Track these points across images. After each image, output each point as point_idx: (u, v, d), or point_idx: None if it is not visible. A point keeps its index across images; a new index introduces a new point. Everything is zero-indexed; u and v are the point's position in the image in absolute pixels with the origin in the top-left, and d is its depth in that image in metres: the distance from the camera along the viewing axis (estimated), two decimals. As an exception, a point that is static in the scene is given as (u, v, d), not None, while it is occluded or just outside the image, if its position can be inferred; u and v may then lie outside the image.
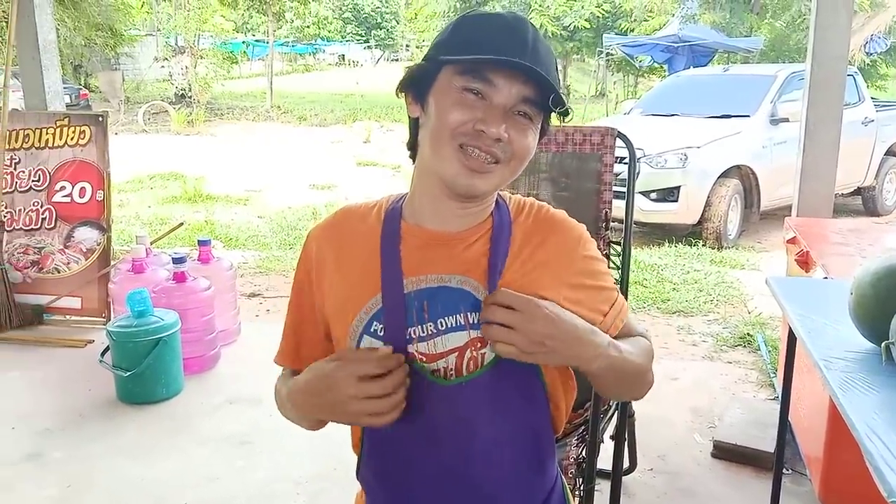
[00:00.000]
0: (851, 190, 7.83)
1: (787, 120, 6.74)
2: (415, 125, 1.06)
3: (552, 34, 24.34)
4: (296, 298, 1.16)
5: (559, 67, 1.03)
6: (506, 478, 1.08)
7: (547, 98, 0.98)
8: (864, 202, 8.09)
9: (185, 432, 3.05)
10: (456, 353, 1.03)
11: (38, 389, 3.42)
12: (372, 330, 1.05)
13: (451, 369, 1.04)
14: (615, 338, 1.08)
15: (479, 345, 1.03)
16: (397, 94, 1.08)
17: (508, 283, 1.03)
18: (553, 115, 1.04)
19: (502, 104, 0.98)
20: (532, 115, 1.01)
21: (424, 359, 1.04)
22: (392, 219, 1.09)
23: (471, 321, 1.03)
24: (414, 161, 1.09)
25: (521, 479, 1.10)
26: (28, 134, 4.26)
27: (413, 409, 1.03)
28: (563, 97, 0.99)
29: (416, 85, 1.04)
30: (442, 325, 1.03)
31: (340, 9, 38.87)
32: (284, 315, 1.18)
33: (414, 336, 1.04)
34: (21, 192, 4.26)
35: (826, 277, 2.40)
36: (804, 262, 2.71)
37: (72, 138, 4.21)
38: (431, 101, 1.02)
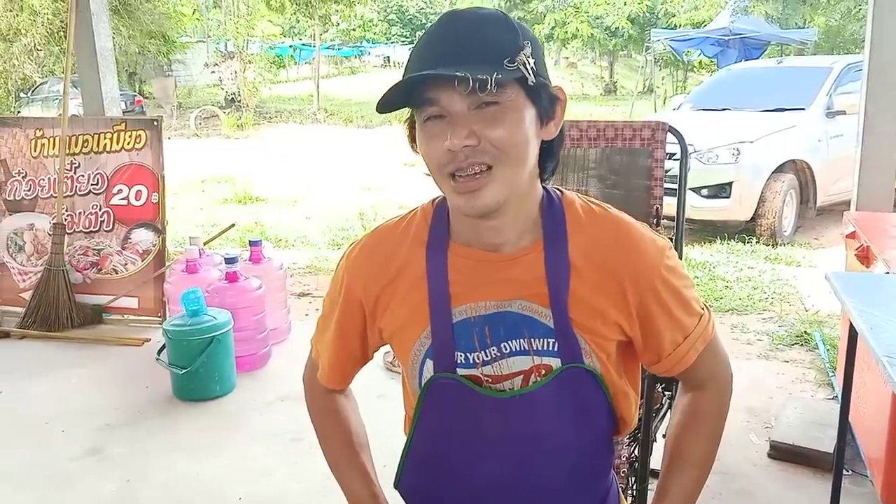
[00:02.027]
0: (912, 183, 7.55)
1: (843, 113, 6.53)
2: None
3: (592, 36, 24.26)
4: (341, 330, 1.14)
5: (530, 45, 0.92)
6: (563, 486, 1.07)
7: (504, 69, 0.90)
8: (926, 196, 7.80)
9: (238, 429, 3.11)
10: (521, 377, 1.02)
11: (99, 387, 3.53)
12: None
13: (516, 389, 1.02)
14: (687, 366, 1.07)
15: (543, 371, 1.01)
16: (414, 153, 1.03)
17: (573, 306, 1.00)
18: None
19: (457, 111, 0.92)
20: (497, 98, 0.92)
21: (490, 380, 1.03)
22: (438, 239, 1.06)
23: (535, 347, 1.01)
24: None
25: (579, 487, 1.09)
26: (87, 139, 4.39)
27: (470, 422, 1.04)
28: (476, 77, 0.88)
29: (412, 138, 1.01)
30: (506, 349, 1.02)
31: (385, 11, 39.13)
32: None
33: (478, 361, 1.02)
34: (81, 195, 4.40)
35: (888, 272, 2.32)
36: (864, 256, 2.63)
37: (128, 143, 4.33)
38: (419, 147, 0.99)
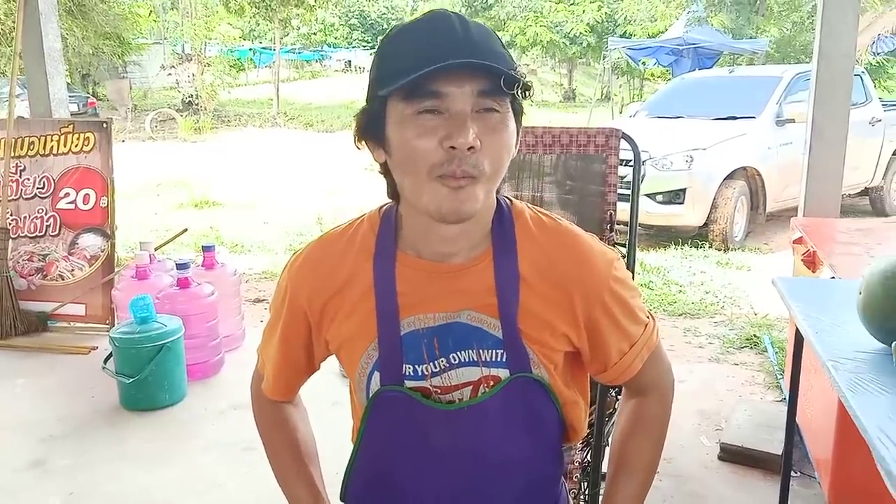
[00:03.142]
0: (859, 190, 7.78)
1: (792, 121, 6.70)
2: (386, 170, 0.99)
3: (552, 41, 24.53)
4: (285, 343, 1.11)
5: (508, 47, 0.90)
6: (513, 498, 1.06)
7: (506, 81, 0.90)
8: (872, 202, 8.04)
9: (188, 439, 3.04)
10: (470, 387, 1.01)
11: (42, 396, 3.41)
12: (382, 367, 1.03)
13: (465, 400, 1.01)
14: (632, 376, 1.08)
15: (491, 382, 1.00)
16: (357, 146, 1.00)
17: (522, 318, 0.99)
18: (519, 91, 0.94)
19: (461, 110, 0.90)
20: (498, 106, 0.92)
21: (439, 391, 1.02)
22: (385, 250, 1.03)
23: (483, 358, 1.00)
24: (397, 202, 1.03)
25: (529, 498, 1.08)
26: (33, 141, 4.27)
27: (417, 435, 1.02)
28: (516, 74, 0.90)
29: (370, 130, 0.96)
30: (455, 360, 1.01)
31: (346, 15, 38.96)
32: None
33: (427, 373, 1.01)
34: (26, 199, 4.27)
35: (833, 277, 2.37)
36: (811, 262, 2.68)
37: (76, 145, 4.22)
38: (391, 141, 0.94)
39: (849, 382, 1.42)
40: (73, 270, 4.21)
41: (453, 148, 0.89)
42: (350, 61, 35.97)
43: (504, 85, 0.89)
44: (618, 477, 1.14)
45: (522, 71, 0.94)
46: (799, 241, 2.95)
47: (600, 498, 2.05)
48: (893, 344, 1.40)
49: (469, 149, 0.89)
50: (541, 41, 24.61)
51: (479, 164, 0.91)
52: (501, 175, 0.96)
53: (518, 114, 0.97)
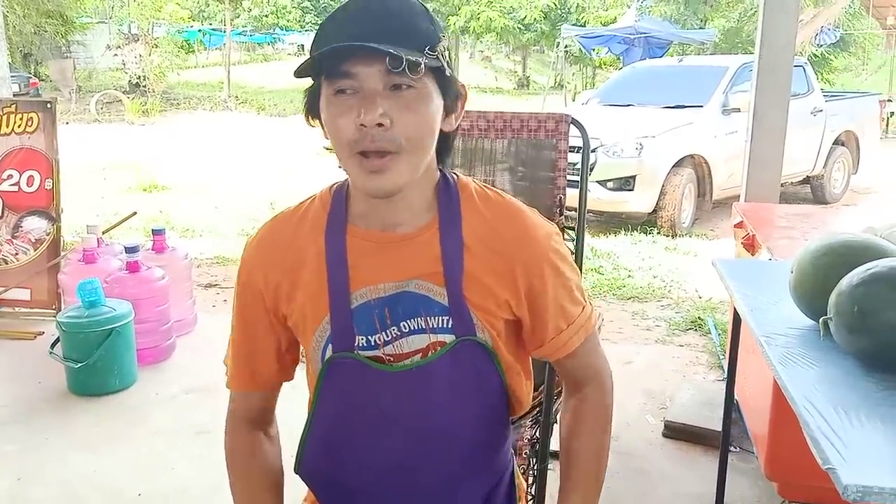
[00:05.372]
0: (801, 179, 8.02)
1: (738, 110, 6.87)
2: None
3: (506, 27, 24.60)
4: (244, 324, 1.13)
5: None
6: (461, 465, 1.09)
7: (425, 53, 0.93)
8: (813, 190, 8.29)
9: (139, 423, 3.01)
10: (420, 354, 1.05)
11: (-14, 383, 3.34)
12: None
13: (413, 362, 1.05)
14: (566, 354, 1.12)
15: (438, 348, 1.04)
16: (310, 125, 1.04)
17: (467, 285, 1.03)
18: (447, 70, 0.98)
19: (372, 88, 0.93)
20: (413, 82, 0.94)
21: (392, 359, 1.05)
22: (336, 224, 1.06)
23: (431, 325, 1.04)
24: None
25: (477, 466, 1.12)
26: (-27, 121, 4.13)
27: (367, 400, 1.05)
28: (410, 56, 0.91)
29: (312, 110, 1.01)
30: (405, 328, 1.04)
31: (299, -3, 38.34)
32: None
33: (380, 342, 1.04)
34: (-34, 181, 4.14)
35: (771, 259, 2.46)
36: (750, 244, 2.78)
37: (19, 125, 4.10)
38: (323, 120, 0.99)
39: (780, 357, 1.50)
40: (17, 254, 4.11)
41: (364, 126, 0.93)
42: (303, 45, 35.34)
43: (407, 69, 0.91)
44: (570, 476, 1.19)
45: (443, 46, 0.96)
46: (739, 225, 3.05)
47: (549, 473, 2.12)
48: (821, 319, 1.47)
49: (379, 126, 0.93)
50: (495, 27, 24.64)
51: (394, 139, 0.94)
52: (426, 149, 0.99)
53: (447, 87, 0.99)
